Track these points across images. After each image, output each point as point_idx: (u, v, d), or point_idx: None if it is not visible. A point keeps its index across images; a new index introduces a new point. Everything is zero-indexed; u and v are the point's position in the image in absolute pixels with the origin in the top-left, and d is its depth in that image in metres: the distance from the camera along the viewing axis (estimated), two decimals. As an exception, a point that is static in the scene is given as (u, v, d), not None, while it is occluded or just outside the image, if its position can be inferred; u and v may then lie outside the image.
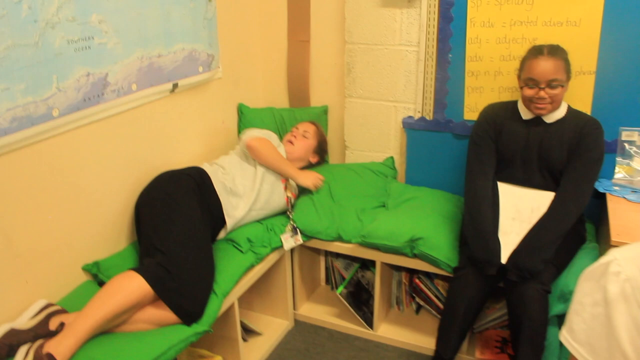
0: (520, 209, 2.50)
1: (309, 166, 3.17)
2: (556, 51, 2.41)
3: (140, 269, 2.16)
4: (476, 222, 2.50)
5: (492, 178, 2.59)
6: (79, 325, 1.96)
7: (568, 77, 2.42)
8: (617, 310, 0.77)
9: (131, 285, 2.09)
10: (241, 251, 2.62)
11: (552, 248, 2.35)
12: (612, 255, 0.82)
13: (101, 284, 2.33)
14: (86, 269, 2.39)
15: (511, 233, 2.45)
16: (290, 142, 3.07)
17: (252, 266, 2.64)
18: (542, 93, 2.38)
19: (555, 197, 2.45)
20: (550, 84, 2.36)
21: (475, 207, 2.53)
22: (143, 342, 2.03)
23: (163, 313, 2.15)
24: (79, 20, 2.09)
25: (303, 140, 3.09)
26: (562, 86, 2.38)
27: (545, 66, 2.36)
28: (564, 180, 2.46)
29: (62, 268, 2.29)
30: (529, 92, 2.42)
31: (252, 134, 2.87)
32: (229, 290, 2.44)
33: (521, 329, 2.36)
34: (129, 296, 2.06)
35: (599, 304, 0.79)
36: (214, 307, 2.31)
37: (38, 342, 1.92)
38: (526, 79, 2.42)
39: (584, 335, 0.81)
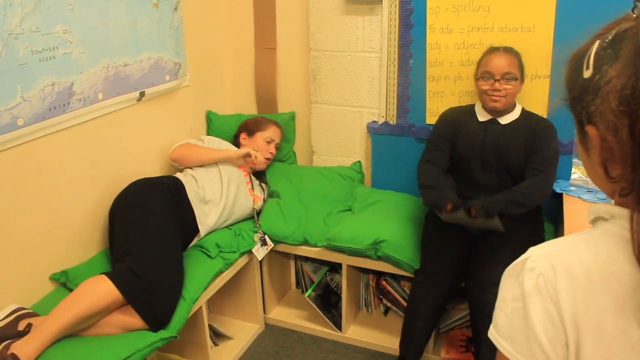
0: None
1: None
2: (511, 49, 2.55)
3: (110, 274, 2.19)
4: (422, 179, 2.63)
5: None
6: (45, 328, 1.99)
7: (522, 77, 2.54)
8: (533, 303, 0.82)
9: (100, 289, 2.12)
10: (210, 257, 2.65)
11: (509, 206, 2.43)
12: (529, 253, 0.87)
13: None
14: (54, 278, 2.40)
15: None
16: (269, 159, 3.13)
17: (220, 272, 2.67)
18: (497, 85, 2.49)
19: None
20: (505, 77, 2.48)
21: (421, 173, 2.67)
22: (108, 347, 2.05)
23: (130, 318, 2.18)
24: (43, 30, 2.12)
25: (276, 151, 3.18)
26: (516, 80, 2.49)
27: (500, 60, 2.50)
28: (526, 177, 2.55)
29: (30, 276, 2.31)
30: (484, 84, 2.53)
31: (173, 148, 2.91)
32: (198, 296, 2.47)
33: (481, 330, 2.42)
34: (98, 300, 2.09)
35: (518, 299, 0.84)
36: (182, 313, 2.34)
37: (5, 343, 1.95)
38: (482, 73, 2.53)
39: (506, 329, 0.86)
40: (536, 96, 2.73)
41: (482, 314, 2.40)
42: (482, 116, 2.63)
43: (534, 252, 0.87)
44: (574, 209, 2.49)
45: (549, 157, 2.52)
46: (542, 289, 0.82)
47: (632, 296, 0.79)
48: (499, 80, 2.49)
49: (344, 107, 3.22)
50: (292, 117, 3.40)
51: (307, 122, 3.40)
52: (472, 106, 2.69)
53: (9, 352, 1.90)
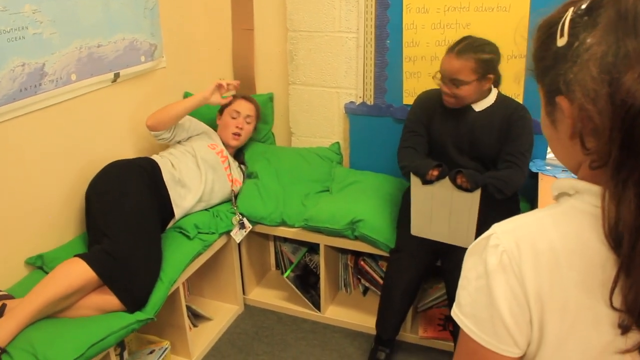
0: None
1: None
2: (467, 50, 2.38)
3: (84, 255, 2.19)
4: (403, 162, 2.61)
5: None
6: (21, 310, 1.99)
7: (482, 76, 2.41)
8: (496, 280, 0.81)
9: (75, 271, 2.12)
10: (189, 237, 2.65)
11: (490, 186, 2.40)
12: (492, 229, 0.85)
13: (48, 274, 2.35)
14: (29, 262, 2.40)
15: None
16: (238, 134, 3.04)
17: (199, 253, 2.68)
18: (444, 88, 2.46)
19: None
20: (453, 82, 2.42)
21: (402, 157, 2.65)
22: (84, 328, 2.06)
23: (107, 299, 2.18)
24: (10, 10, 2.09)
25: (248, 127, 3.09)
26: (468, 85, 2.40)
27: (449, 65, 2.41)
28: (499, 166, 2.51)
29: (5, 259, 2.30)
30: (438, 83, 2.50)
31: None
32: (176, 278, 2.47)
33: None
34: (73, 282, 2.09)
35: (482, 277, 0.83)
36: (160, 295, 2.34)
37: (-21, 326, 1.95)
38: (439, 71, 2.49)
39: (470, 308, 0.85)
40: (512, 76, 2.73)
41: None
42: None
43: (497, 228, 0.85)
44: (549, 188, 2.50)
45: (523, 150, 2.48)
46: (507, 266, 0.81)
47: (599, 272, 0.78)
48: (446, 83, 2.44)
49: (321, 88, 3.21)
50: (270, 98, 3.39)
51: (285, 103, 3.39)
52: None
53: None
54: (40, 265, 2.40)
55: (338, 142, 3.31)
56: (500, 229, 0.85)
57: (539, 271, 0.80)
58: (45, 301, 2.03)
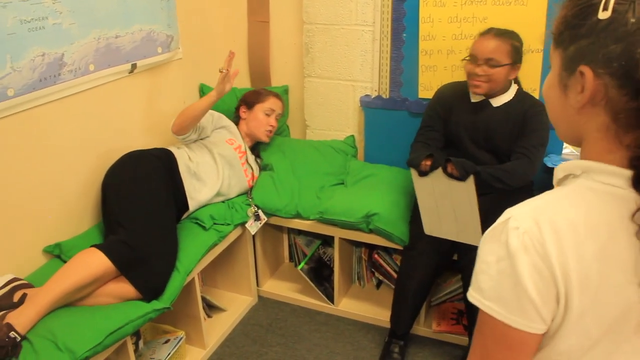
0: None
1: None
2: (504, 34, 2.42)
3: (101, 246, 2.21)
4: (410, 157, 2.57)
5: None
6: (40, 298, 2.01)
7: (513, 62, 2.42)
8: (520, 260, 0.82)
9: (92, 261, 2.14)
10: (204, 228, 2.66)
11: (487, 176, 2.38)
12: (509, 213, 0.87)
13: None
14: (47, 250, 2.41)
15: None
16: (271, 132, 3.09)
17: (214, 244, 2.68)
18: (478, 69, 2.42)
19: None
20: (488, 63, 2.40)
21: (411, 152, 2.64)
22: (102, 316, 2.08)
23: (124, 287, 2.20)
24: (31, 0, 2.11)
25: (276, 124, 3.13)
26: (501, 66, 2.40)
27: (486, 44, 2.40)
28: (511, 158, 2.51)
29: (24, 248, 2.32)
30: (467, 66, 2.47)
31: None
32: (192, 268, 2.49)
33: (473, 306, 2.43)
34: (91, 272, 2.11)
35: (503, 259, 0.84)
36: (176, 284, 2.35)
37: (0, 313, 1.98)
38: (469, 55, 2.47)
39: (493, 291, 0.86)
40: (529, 70, 2.72)
41: None
42: (474, 97, 2.58)
43: (514, 211, 0.87)
44: (564, 183, 2.49)
45: (536, 143, 2.47)
46: (529, 246, 0.82)
47: (616, 244, 0.82)
48: (481, 65, 2.42)
49: (337, 81, 3.21)
50: (285, 90, 3.39)
51: (300, 96, 3.39)
52: (466, 84, 2.63)
53: (5, 321, 1.92)
54: (57, 253, 2.41)
55: (353, 135, 3.31)
56: (517, 212, 0.87)
57: (562, 247, 0.82)
58: (64, 290, 2.05)
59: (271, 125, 3.07)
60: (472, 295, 0.91)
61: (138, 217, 2.36)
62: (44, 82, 2.23)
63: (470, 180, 2.28)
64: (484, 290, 0.88)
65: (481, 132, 2.56)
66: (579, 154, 2.81)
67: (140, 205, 2.41)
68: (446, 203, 2.39)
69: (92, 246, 2.22)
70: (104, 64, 2.54)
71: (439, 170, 2.34)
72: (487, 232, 0.90)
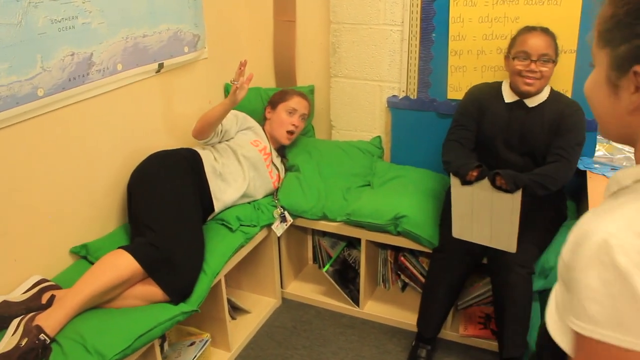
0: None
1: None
2: (547, 30, 2.45)
3: (129, 247, 2.19)
4: (446, 157, 2.59)
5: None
6: (68, 300, 2.00)
7: (556, 59, 2.43)
8: (636, 278, 0.76)
9: (121, 263, 2.12)
10: (231, 229, 2.64)
11: (532, 184, 2.34)
12: (601, 234, 0.81)
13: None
14: (74, 251, 2.41)
15: None
16: (292, 132, 3.03)
17: (241, 246, 2.67)
18: (533, 66, 2.40)
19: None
20: (542, 58, 2.39)
21: (446, 151, 2.63)
22: (131, 319, 2.06)
23: (152, 289, 2.18)
24: (61, 0, 2.10)
25: (301, 125, 3.09)
26: (552, 62, 2.41)
27: (538, 40, 2.40)
28: (548, 159, 2.48)
29: (51, 248, 2.31)
30: (519, 64, 2.43)
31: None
32: (219, 269, 2.47)
33: (506, 310, 2.41)
34: (119, 274, 2.10)
35: (614, 282, 0.78)
36: (204, 287, 2.34)
37: (29, 315, 1.97)
38: (517, 52, 2.44)
39: (609, 317, 0.79)
40: (562, 71, 2.67)
41: (508, 294, 2.39)
42: (509, 97, 2.55)
43: (607, 229, 0.81)
44: (599, 187, 2.45)
45: (573, 144, 2.44)
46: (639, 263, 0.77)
47: None
48: (535, 62, 2.40)
49: (364, 81, 3.17)
50: (310, 90, 3.36)
51: (326, 96, 3.36)
52: (499, 84, 2.61)
53: (34, 323, 1.91)
54: (84, 254, 2.41)
55: (379, 136, 3.27)
56: (614, 229, 0.80)
57: None
58: (92, 292, 2.03)
59: (293, 125, 3.01)
60: (583, 327, 0.82)
61: (165, 219, 2.35)
62: (73, 82, 2.22)
63: (518, 193, 2.24)
64: (599, 320, 0.80)
65: (516, 133, 2.53)
66: (611, 156, 2.75)
67: (167, 207, 2.39)
68: (484, 210, 2.34)
69: (119, 248, 2.20)
70: (132, 64, 2.52)
71: (485, 181, 2.30)
72: (578, 259, 0.83)
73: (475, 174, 2.35)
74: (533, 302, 2.42)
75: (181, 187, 2.48)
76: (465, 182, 2.35)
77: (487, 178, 2.30)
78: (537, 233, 2.46)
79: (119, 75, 2.47)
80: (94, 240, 2.47)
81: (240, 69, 2.54)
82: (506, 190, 2.26)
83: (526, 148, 2.53)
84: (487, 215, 2.35)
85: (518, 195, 2.24)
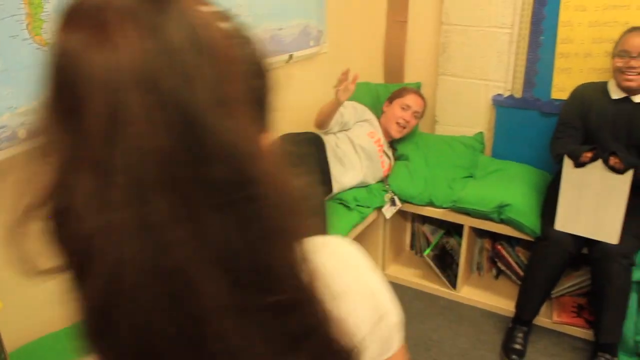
0: None
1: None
2: None
3: None
4: (556, 151, 2.73)
5: None
6: None
7: None
8: None
9: None
10: (349, 207, 2.89)
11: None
12: None
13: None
14: None
15: None
16: (403, 127, 3.21)
17: (357, 224, 2.89)
18: (632, 62, 2.55)
19: None
20: None
21: (554, 148, 2.78)
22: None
23: None
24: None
25: (413, 122, 3.27)
26: None
27: (638, 38, 2.55)
28: None
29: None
30: (619, 62, 2.59)
31: None
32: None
33: (605, 299, 2.55)
34: None
35: None
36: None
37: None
38: (619, 51, 2.59)
39: None
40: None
41: (608, 283, 2.53)
42: (615, 94, 2.69)
43: None
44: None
45: None
46: None
47: None
48: (634, 58, 2.54)
49: (470, 80, 3.37)
50: (417, 87, 3.57)
51: (430, 93, 3.56)
52: (605, 83, 2.76)
53: None
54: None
55: (482, 132, 3.46)
56: None
57: None
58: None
59: (404, 120, 3.20)
60: None
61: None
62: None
63: (629, 174, 2.39)
64: None
65: (623, 127, 2.67)
66: None
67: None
68: (591, 196, 2.51)
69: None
70: (269, 53, 2.79)
71: (598, 162, 2.46)
72: None
73: (589, 155, 2.51)
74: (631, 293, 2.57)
75: (309, 167, 2.71)
76: (579, 164, 2.51)
77: (601, 160, 2.46)
78: (636, 224, 2.60)
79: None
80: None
81: (342, 77, 2.76)
82: (617, 172, 2.41)
83: (633, 141, 2.66)
84: (594, 203, 2.51)
85: (629, 176, 2.39)
